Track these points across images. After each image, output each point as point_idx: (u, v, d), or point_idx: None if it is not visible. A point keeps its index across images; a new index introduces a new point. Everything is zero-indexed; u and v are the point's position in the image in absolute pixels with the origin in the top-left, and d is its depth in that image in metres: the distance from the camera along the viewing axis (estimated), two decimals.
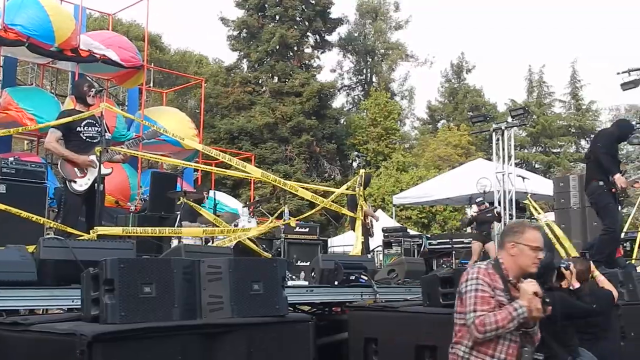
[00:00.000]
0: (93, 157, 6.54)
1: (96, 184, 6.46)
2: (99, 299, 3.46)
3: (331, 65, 46.74)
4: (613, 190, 7.81)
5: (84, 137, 6.64)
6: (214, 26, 74.57)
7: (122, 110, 14.63)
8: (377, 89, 42.61)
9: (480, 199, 13.81)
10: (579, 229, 12.47)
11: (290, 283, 6.42)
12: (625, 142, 15.09)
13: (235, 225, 10.17)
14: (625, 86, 13.84)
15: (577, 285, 5.82)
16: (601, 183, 7.86)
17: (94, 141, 6.66)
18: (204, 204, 9.97)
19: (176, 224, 8.43)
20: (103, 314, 3.40)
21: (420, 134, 48.00)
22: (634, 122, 8.53)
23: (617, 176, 7.76)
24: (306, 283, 6.82)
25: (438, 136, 41.26)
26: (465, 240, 14.06)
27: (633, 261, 11.23)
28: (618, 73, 13.99)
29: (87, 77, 8.09)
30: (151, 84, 19.33)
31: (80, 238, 5.81)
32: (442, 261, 13.73)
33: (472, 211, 13.80)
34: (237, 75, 37.51)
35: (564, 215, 12.93)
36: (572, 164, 41.32)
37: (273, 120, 34.81)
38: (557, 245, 11.75)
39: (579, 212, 12.62)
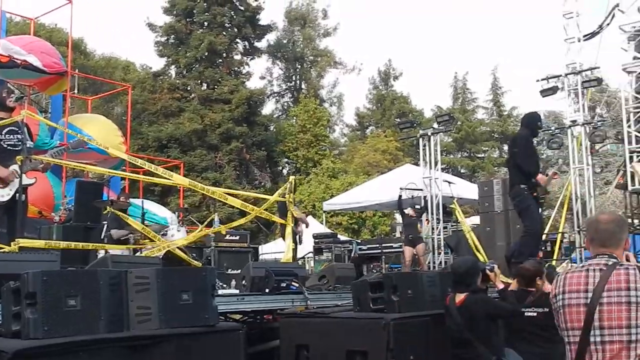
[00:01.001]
0: (15, 167, 6.26)
1: (17, 194, 6.19)
2: (20, 314, 3.37)
3: (260, 72, 46.67)
4: (534, 193, 8.08)
5: (5, 146, 6.36)
6: (140, 32, 73.07)
7: (45, 118, 14.10)
8: (307, 96, 42.82)
9: (419, 205, 14.10)
10: (503, 232, 12.83)
11: (220, 292, 6.35)
12: (545, 147, 15.60)
13: (164, 235, 9.99)
14: (545, 93, 14.44)
15: (501, 286, 5.98)
16: (523, 186, 8.10)
17: (16, 149, 6.37)
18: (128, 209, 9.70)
19: (103, 234, 8.20)
20: (25, 329, 3.31)
21: (350, 141, 48.53)
22: (540, 115, 8.77)
23: (540, 177, 8.10)
24: (237, 291, 6.76)
25: (367, 142, 41.82)
26: (395, 245, 14.25)
27: (554, 262, 11.70)
28: (537, 80, 14.58)
29: (7, 83, 7.71)
30: (76, 91, 18.73)
31: (1, 250, 5.58)
32: (372, 266, 13.87)
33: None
34: (165, 81, 36.94)
35: (488, 218, 13.28)
36: (495, 168, 42.64)
37: (202, 127, 34.42)
38: (475, 251, 12.14)
39: (503, 216, 12.93)
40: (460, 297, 5.32)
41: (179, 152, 33.24)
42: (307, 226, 12.74)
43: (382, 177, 22.22)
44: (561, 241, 13.71)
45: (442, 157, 40.39)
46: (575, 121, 14.19)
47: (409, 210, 13.78)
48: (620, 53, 14.35)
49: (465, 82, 49.23)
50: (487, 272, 5.78)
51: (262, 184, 37.14)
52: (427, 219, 15.10)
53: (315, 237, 15.68)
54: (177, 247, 7.93)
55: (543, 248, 11.97)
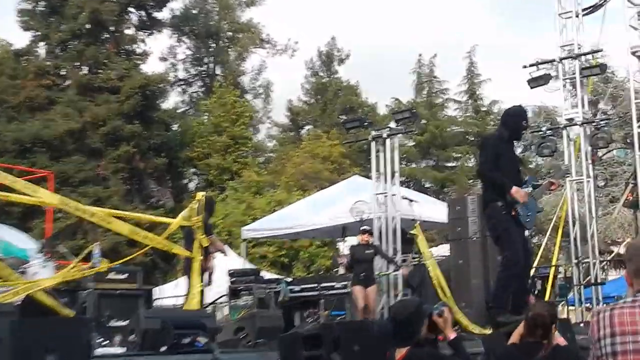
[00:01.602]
0: None
1: None
2: None
3: (161, 52, 46.09)
4: (515, 212, 8.11)
5: None
6: None
7: None
8: (223, 85, 42.70)
9: (367, 227, 14.13)
10: (480, 267, 12.97)
11: (99, 351, 6.22)
12: (534, 153, 15.92)
13: (23, 272, 9.73)
14: (534, 83, 14.82)
15: (452, 336, 5.95)
16: (499, 204, 8.18)
17: None
18: None
19: None
20: None
21: (280, 144, 48.66)
22: (523, 108, 8.91)
23: (514, 190, 8.08)
24: (123, 350, 6.63)
25: (302, 147, 41.98)
26: (338, 285, 14.24)
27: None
28: (525, 66, 14.92)
29: None
30: None
31: None
32: (306, 313, 13.81)
33: (346, 248, 14.06)
34: (31, 63, 36.22)
35: (461, 248, 13.47)
36: (471, 181, 43.32)
37: (80, 126, 33.86)
38: (440, 292, 12.27)
39: (479, 244, 13.12)
40: (401, 352, 5.24)
41: (47, 159, 32.54)
42: (224, 254, 12.64)
43: (322, 194, 22.25)
44: (555, 277, 14.02)
45: (402, 166, 40.51)
46: (572, 120, 14.62)
47: (359, 238, 13.83)
48: (629, 32, 14.67)
49: (432, 67, 50.03)
50: (434, 317, 5.70)
51: (162, 202, 36.74)
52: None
53: (231, 274, 15.55)
54: (41, 290, 7.73)
55: (533, 288, 12.20)
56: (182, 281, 18.09)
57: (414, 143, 46.50)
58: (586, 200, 13.99)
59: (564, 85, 15.24)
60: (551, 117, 28.86)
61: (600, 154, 23.12)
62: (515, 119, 8.53)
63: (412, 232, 14.57)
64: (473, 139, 47.43)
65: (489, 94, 49.11)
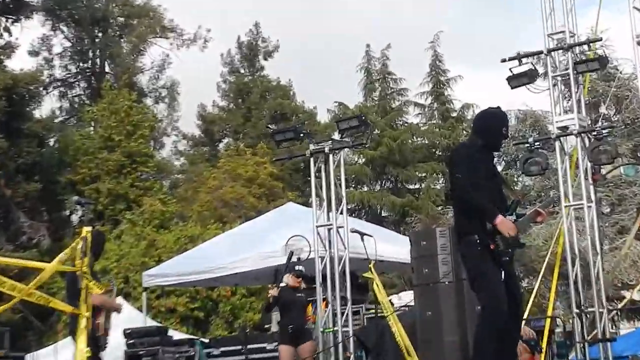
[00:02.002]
0: None
1: None
2: None
3: (31, 44, 45.52)
4: (492, 246, 8.11)
5: None
6: None
7: None
8: (114, 86, 42.34)
9: (300, 268, 14.08)
10: (454, 319, 12.95)
11: None
12: (519, 171, 16.07)
13: None
14: (516, 81, 14.97)
15: None
16: (475, 237, 8.17)
17: None
18: None
19: None
20: None
21: (190, 163, 48.40)
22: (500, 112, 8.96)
23: (499, 220, 8.10)
24: None
25: (220, 166, 41.83)
26: (269, 347, 14.23)
27: None
28: (504, 60, 15.06)
29: None
30: None
31: None
32: None
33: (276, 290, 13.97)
34: None
35: (429, 295, 13.46)
36: (439, 208, 43.56)
37: None
38: (405, 353, 12.30)
39: (453, 290, 13.15)
40: None
41: None
42: (119, 312, 12.47)
43: (246, 227, 22.16)
44: (552, 332, 14.10)
45: (350, 190, 40.24)
46: (566, 128, 14.80)
47: (289, 279, 13.83)
48: (633, 16, 14.77)
49: (385, 61, 50.34)
50: None
51: (35, 240, 36.19)
52: (324, 300, 15.16)
53: (128, 334, 15.38)
54: None
55: (538, 347, 12.27)
56: (64, 344, 17.86)
57: (365, 160, 46.65)
58: (588, 232, 14.10)
59: (555, 85, 15.36)
60: (540, 125, 29.18)
61: (603, 171, 23.35)
62: (491, 123, 8.59)
63: (365, 275, 14.59)
64: (441, 153, 47.70)
65: (460, 96, 49.39)
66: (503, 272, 8.17)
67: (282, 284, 13.86)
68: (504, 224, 8.05)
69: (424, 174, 47.46)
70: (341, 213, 15.67)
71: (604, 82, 25.48)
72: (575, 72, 14.83)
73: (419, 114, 49.55)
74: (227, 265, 18.89)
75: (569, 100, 15.23)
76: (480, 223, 8.14)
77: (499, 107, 8.92)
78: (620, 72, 26.81)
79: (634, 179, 26.62)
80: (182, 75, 50.74)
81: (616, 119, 25.50)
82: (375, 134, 44.45)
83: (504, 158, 34.59)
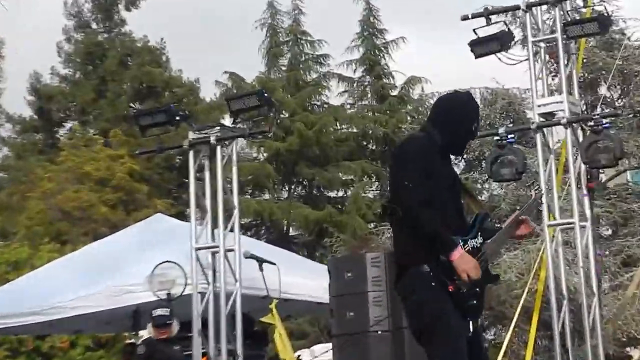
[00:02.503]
0: None
1: None
2: None
3: None
4: (451, 287, 8.01)
5: None
6: None
7: None
8: None
9: (163, 313, 14.01)
10: None
11: None
12: (486, 177, 16.03)
13: None
14: (482, 48, 14.90)
15: None
16: (425, 268, 8.07)
17: None
18: None
19: None
20: None
21: (16, 156, 47.99)
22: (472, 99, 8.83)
23: (458, 256, 7.97)
24: None
25: (60, 161, 41.45)
26: None
27: None
28: (466, 18, 15.00)
29: None
30: None
31: None
32: None
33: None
34: None
35: (353, 349, 13.63)
36: (371, 225, 43.71)
37: None
38: None
39: (389, 342, 13.31)
40: None
41: None
42: None
43: (95, 248, 21.98)
44: None
45: (246, 198, 40.38)
46: (551, 115, 14.74)
47: (150, 331, 13.76)
48: None
49: (297, 16, 50.39)
50: None
51: None
52: (204, 355, 14.99)
53: None
54: None
55: None
56: None
57: (267, 155, 46.66)
58: (580, 262, 14.12)
59: (536, 53, 15.41)
60: (515, 110, 29.07)
61: (603, 177, 23.44)
62: (460, 116, 8.57)
63: (263, 319, 14.51)
64: (375, 147, 47.97)
65: (403, 67, 49.76)
66: (470, 322, 8.25)
67: (145, 335, 13.79)
68: (463, 262, 7.99)
69: (350, 177, 47.73)
70: (231, 230, 15.53)
71: (605, 51, 25.51)
72: (565, 36, 14.76)
73: (345, 91, 49.91)
74: (65, 303, 18.62)
75: (556, 76, 15.18)
76: (432, 250, 8.08)
77: (469, 94, 8.88)
78: (629, 38, 26.95)
79: None
80: (6, 32, 50.01)
81: (621, 103, 25.56)
82: (283, 119, 44.52)
83: (463, 156, 34.43)
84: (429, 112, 9.05)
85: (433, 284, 8.06)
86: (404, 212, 8.17)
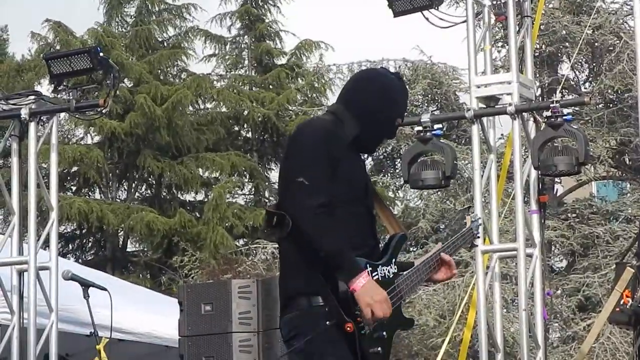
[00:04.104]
0: None
1: None
2: None
3: None
4: (349, 325, 8.07)
5: None
6: None
7: None
8: None
9: None
10: None
11: None
12: (404, 180, 16.29)
13: None
14: (403, 3, 15.01)
15: None
16: (317, 300, 8.11)
17: None
18: None
19: None
20: None
21: None
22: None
23: (362, 285, 7.99)
24: None
25: None
26: None
27: None
28: None
29: None
30: None
31: None
32: None
33: None
34: None
35: None
36: (240, 243, 43.82)
37: None
38: None
39: None
40: None
41: None
42: None
43: None
44: None
45: (66, 196, 40.69)
46: (494, 100, 14.90)
47: None
48: None
49: None
50: None
51: None
52: None
53: None
54: None
55: None
56: None
57: (100, 138, 46.53)
58: (523, 304, 14.24)
59: (478, 16, 15.58)
60: (443, 92, 28.96)
61: (559, 188, 23.58)
62: (383, 101, 8.63)
63: None
64: (252, 134, 48.17)
65: (294, 26, 49.97)
66: None
67: None
68: (369, 293, 7.96)
69: (215, 173, 47.66)
70: (47, 243, 15.53)
71: (570, 15, 25.65)
72: None
73: (213, 55, 49.88)
74: None
75: (504, 47, 15.38)
76: (329, 276, 8.11)
77: (400, 77, 8.92)
78: (603, 1, 27.24)
79: (615, 208, 26.87)
80: None
81: (589, 88, 25.80)
82: (124, 88, 44.45)
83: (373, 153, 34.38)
84: (342, 90, 8.93)
85: (327, 322, 8.06)
86: (295, 219, 8.06)
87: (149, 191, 47.71)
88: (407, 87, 8.94)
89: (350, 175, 8.38)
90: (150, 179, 47.17)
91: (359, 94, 8.64)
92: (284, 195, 8.30)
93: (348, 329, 7.99)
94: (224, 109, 47.32)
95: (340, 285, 7.96)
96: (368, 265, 8.08)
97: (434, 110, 19.46)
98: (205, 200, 46.74)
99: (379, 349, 8.12)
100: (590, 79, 26.66)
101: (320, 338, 8.07)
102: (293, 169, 8.19)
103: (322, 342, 8.06)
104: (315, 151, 8.17)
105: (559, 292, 24.96)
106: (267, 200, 46.50)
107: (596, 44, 25.80)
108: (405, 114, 10.56)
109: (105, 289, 15.35)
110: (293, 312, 8.24)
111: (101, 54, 15.52)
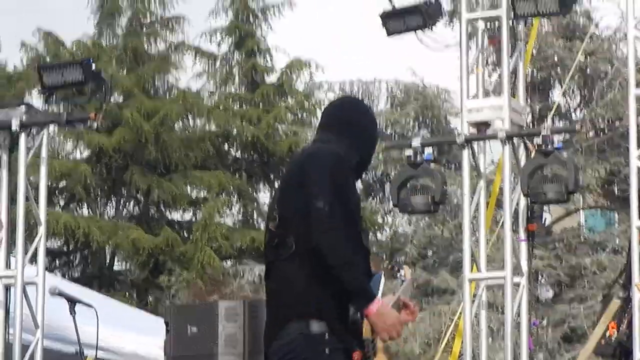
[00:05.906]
0: None
1: None
2: None
3: None
4: (357, 355, 8.03)
5: None
6: None
7: None
8: None
9: None
10: None
11: None
12: (393, 204, 16.28)
13: None
14: (397, 23, 14.98)
15: None
16: (317, 327, 8.04)
17: None
18: None
19: None
20: None
21: None
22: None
23: (376, 307, 7.93)
24: None
25: None
26: None
27: None
28: None
29: None
30: None
31: None
32: None
33: None
34: None
35: None
36: (228, 263, 43.61)
37: None
38: None
39: None
40: None
41: None
42: None
43: None
44: None
45: (54, 212, 40.75)
46: (485, 125, 14.87)
47: None
48: None
49: None
50: None
51: None
52: None
53: None
54: None
55: None
56: None
57: (89, 153, 46.41)
58: (509, 334, 14.20)
59: (471, 37, 15.54)
60: (434, 116, 28.84)
61: (548, 217, 23.48)
62: (369, 129, 8.84)
63: None
64: (242, 154, 47.98)
65: (285, 43, 49.83)
66: None
67: None
68: (385, 317, 7.97)
69: (202, 192, 47.51)
70: (35, 257, 15.54)
71: (563, 40, 25.49)
72: (512, 13, 14.90)
73: (202, 73, 49.72)
74: None
75: (495, 70, 15.39)
76: (333, 298, 8.09)
77: (356, 100, 9.01)
78: (596, 25, 27.04)
79: (603, 239, 26.66)
80: None
81: (580, 115, 25.65)
82: (114, 104, 44.31)
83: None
84: (327, 119, 8.95)
85: (326, 351, 8.04)
86: (317, 244, 7.98)
87: (137, 208, 47.46)
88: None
89: (357, 200, 8.53)
90: (137, 196, 46.97)
91: (353, 120, 8.70)
92: (301, 218, 8.15)
93: (355, 357, 8.00)
94: (212, 128, 47.12)
95: (351, 310, 7.99)
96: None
97: (425, 134, 19.39)
98: (193, 219, 46.52)
99: None
100: (581, 106, 26.51)
101: (318, 354, 8.01)
102: (313, 194, 8.14)
103: None
104: (332, 179, 8.18)
105: (544, 322, 24.86)
106: (255, 222, 46.38)
107: (588, 70, 25.74)
108: (396, 136, 10.66)
109: (91, 306, 15.29)
110: (289, 337, 8.12)
111: (94, 67, 15.49)
